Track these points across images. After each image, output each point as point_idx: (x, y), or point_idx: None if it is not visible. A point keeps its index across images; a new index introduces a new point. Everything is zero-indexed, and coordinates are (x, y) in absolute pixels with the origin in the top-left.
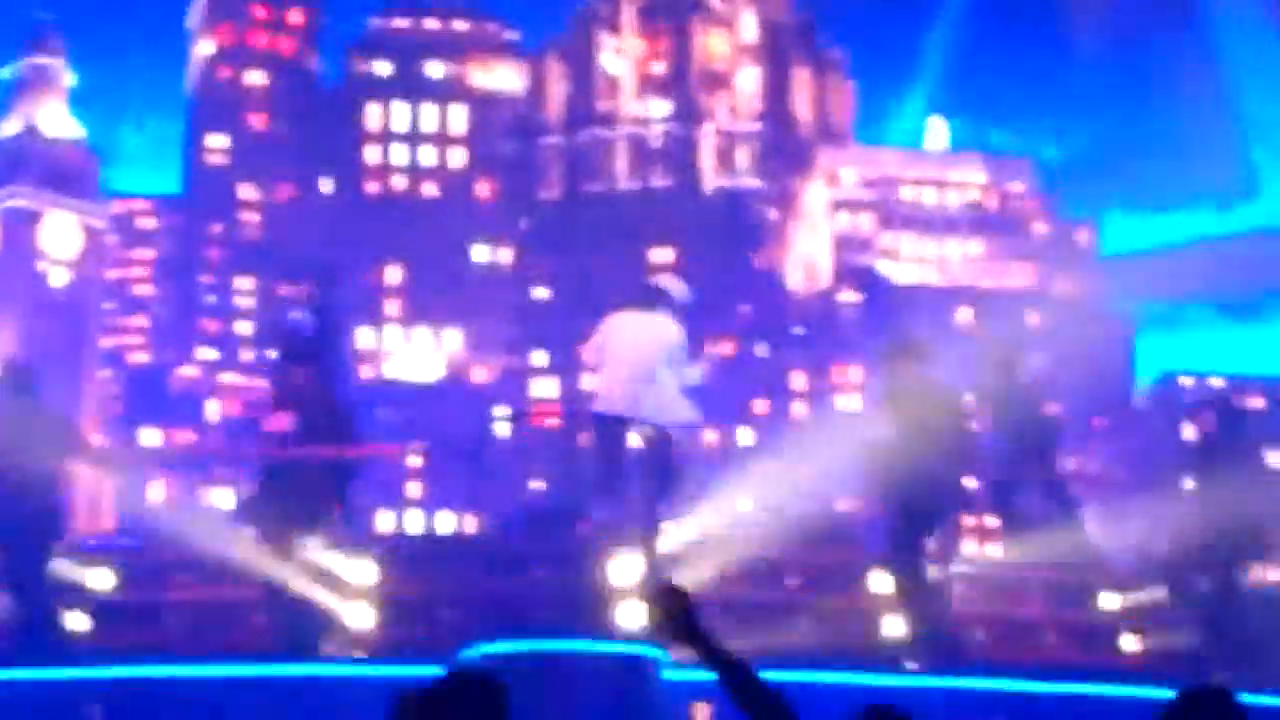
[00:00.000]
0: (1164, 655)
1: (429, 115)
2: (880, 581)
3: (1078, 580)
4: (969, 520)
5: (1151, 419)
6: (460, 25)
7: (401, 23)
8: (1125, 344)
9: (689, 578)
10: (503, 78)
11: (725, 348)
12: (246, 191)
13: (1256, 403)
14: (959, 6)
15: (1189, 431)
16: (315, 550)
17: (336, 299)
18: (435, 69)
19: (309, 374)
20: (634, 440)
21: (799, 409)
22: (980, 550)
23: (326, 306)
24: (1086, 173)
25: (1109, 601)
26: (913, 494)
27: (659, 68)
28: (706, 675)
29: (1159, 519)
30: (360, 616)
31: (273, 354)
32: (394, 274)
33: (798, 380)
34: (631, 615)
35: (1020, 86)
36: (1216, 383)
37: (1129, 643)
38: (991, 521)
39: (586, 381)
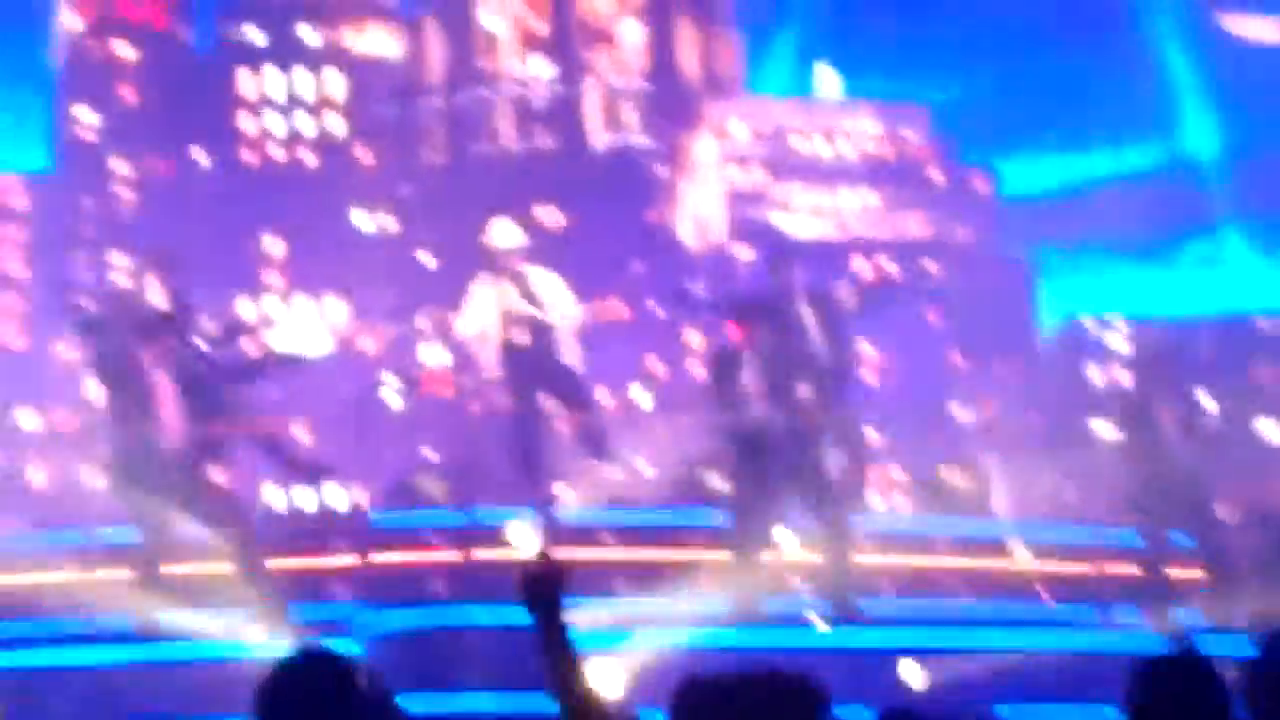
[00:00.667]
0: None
1: (304, 82)
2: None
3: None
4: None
5: (1056, 363)
6: None
7: None
8: (1027, 289)
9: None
10: (379, 41)
11: (619, 307)
12: (119, 166)
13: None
14: None
15: (1095, 375)
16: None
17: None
18: (309, 34)
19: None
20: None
21: (695, 368)
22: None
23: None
24: (983, 117)
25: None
26: None
27: (540, 25)
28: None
29: (1072, 470)
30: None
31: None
32: (275, 245)
33: (694, 338)
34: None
35: (912, 29)
36: (1120, 324)
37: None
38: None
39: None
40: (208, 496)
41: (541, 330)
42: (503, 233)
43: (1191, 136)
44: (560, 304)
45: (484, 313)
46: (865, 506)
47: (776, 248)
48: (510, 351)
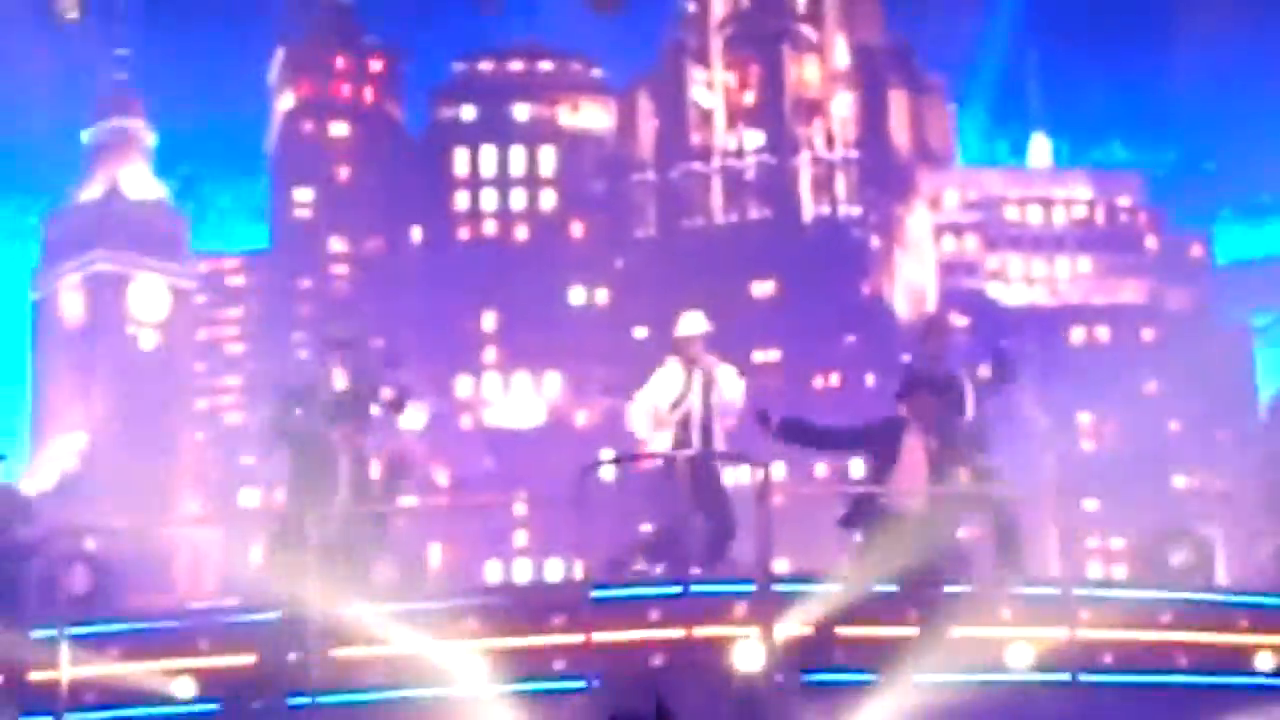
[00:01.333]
0: None
1: (517, 158)
2: None
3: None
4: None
5: (1275, 431)
6: (545, 65)
7: (486, 65)
8: (1246, 355)
9: None
10: (591, 116)
11: (833, 379)
12: (335, 244)
13: None
14: (1052, 22)
15: None
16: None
17: (367, 356)
18: (522, 111)
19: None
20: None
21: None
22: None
23: (359, 365)
24: (1196, 182)
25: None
26: None
27: (750, 98)
28: None
29: None
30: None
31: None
32: (489, 320)
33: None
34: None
35: (1122, 97)
36: None
37: (1265, 662)
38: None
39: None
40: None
41: (706, 434)
42: (688, 322)
43: None
44: (732, 394)
45: (662, 395)
46: (1020, 576)
47: (930, 319)
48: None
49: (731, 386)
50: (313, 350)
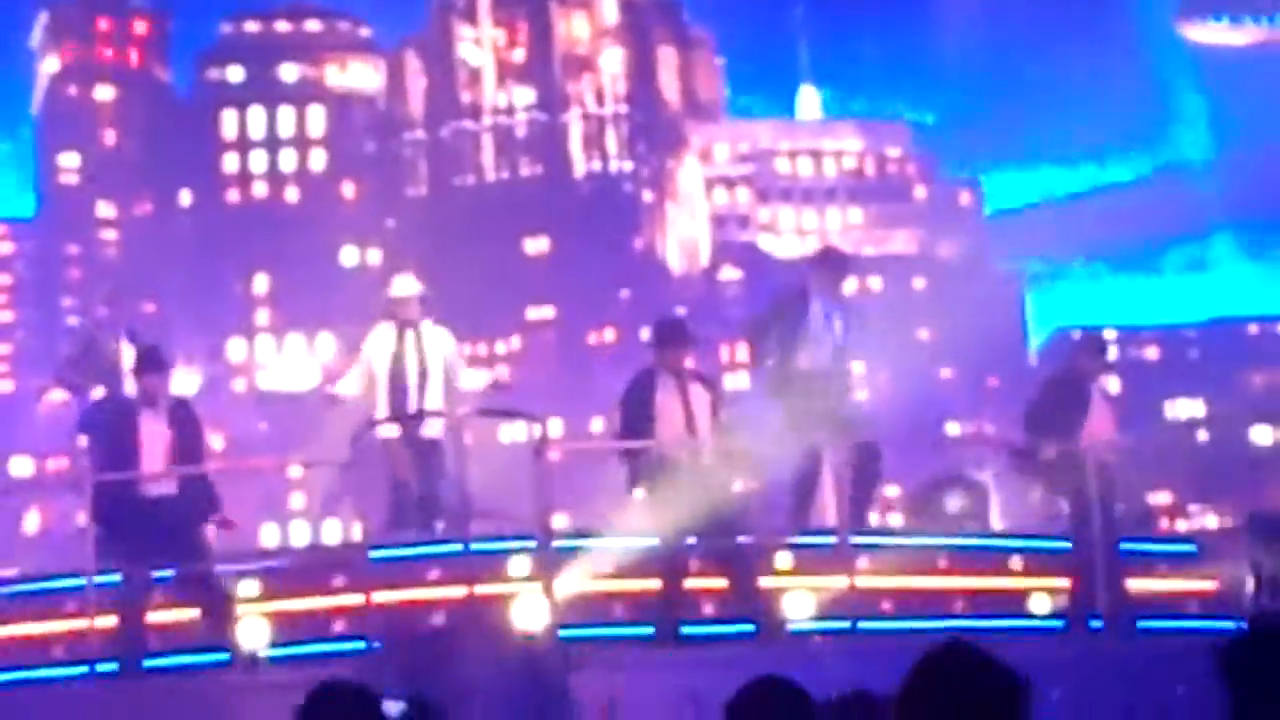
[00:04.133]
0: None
1: (286, 119)
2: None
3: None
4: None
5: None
6: (313, 26)
7: (252, 26)
8: (1016, 302)
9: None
10: (360, 76)
11: (608, 334)
12: (103, 209)
13: (1151, 353)
14: None
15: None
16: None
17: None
18: (290, 71)
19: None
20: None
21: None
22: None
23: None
24: (965, 133)
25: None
26: None
27: (519, 55)
28: None
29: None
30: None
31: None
32: (261, 283)
33: (685, 363)
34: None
35: (890, 48)
36: (1110, 335)
37: (1039, 604)
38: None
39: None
40: (192, 547)
41: (427, 391)
42: (401, 285)
43: (1180, 143)
44: (449, 361)
45: (376, 358)
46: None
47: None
48: (395, 407)
49: (445, 345)
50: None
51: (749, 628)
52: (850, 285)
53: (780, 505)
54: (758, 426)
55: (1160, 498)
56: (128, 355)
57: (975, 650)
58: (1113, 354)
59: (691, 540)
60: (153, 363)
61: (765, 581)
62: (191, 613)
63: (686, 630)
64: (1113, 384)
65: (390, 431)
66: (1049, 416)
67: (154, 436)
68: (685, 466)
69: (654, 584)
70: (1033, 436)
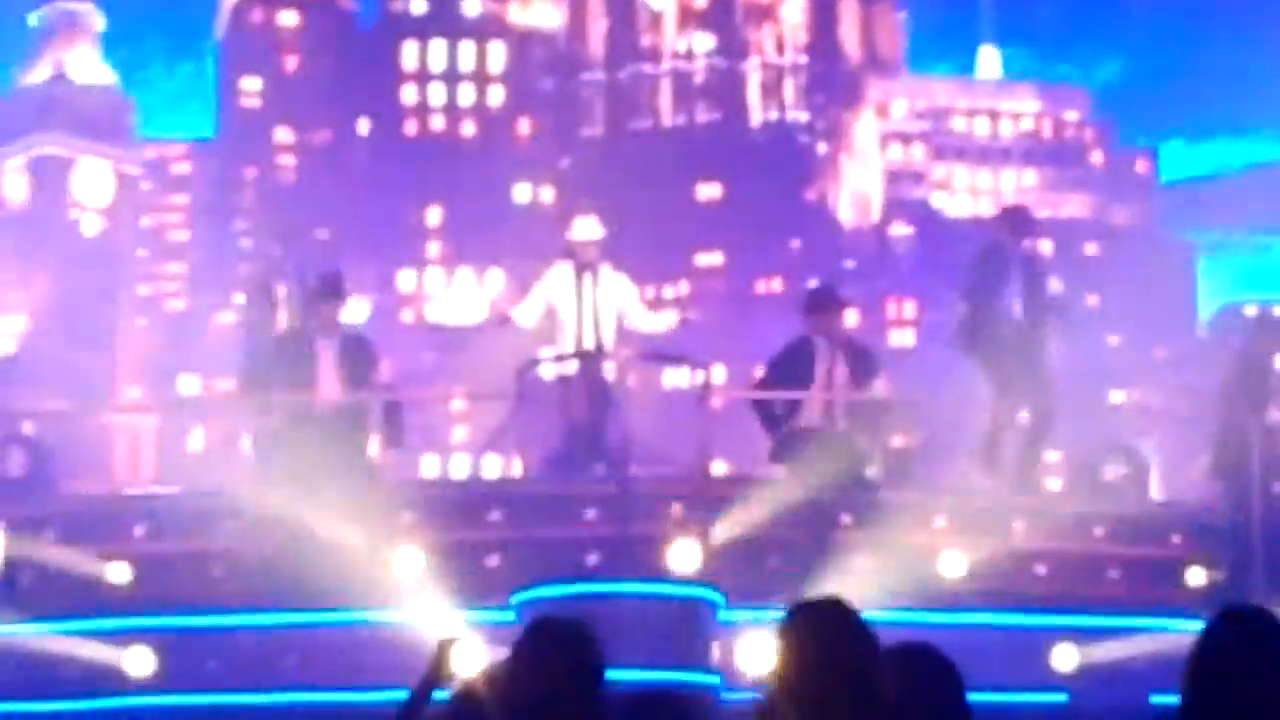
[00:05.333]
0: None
1: (466, 53)
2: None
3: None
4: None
5: (1214, 348)
6: None
7: None
8: (1187, 272)
9: None
10: (541, 14)
11: (775, 284)
12: (281, 135)
13: None
14: None
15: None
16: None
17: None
18: (472, 6)
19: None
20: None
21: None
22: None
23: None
24: (1144, 99)
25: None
26: None
27: (701, 1)
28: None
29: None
30: (408, 562)
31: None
32: (434, 215)
33: (850, 317)
34: (684, 557)
35: (1072, 12)
36: None
37: (1196, 577)
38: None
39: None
40: (357, 464)
41: (603, 332)
42: (583, 228)
43: None
44: (626, 305)
45: (552, 298)
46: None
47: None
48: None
49: (623, 289)
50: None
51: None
52: (1044, 245)
53: (941, 460)
54: (930, 380)
55: None
56: (298, 294)
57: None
58: None
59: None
60: (331, 290)
61: (918, 539)
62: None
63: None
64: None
65: (563, 369)
66: (1237, 398)
67: (328, 365)
68: (822, 433)
69: (805, 534)
70: (1230, 413)
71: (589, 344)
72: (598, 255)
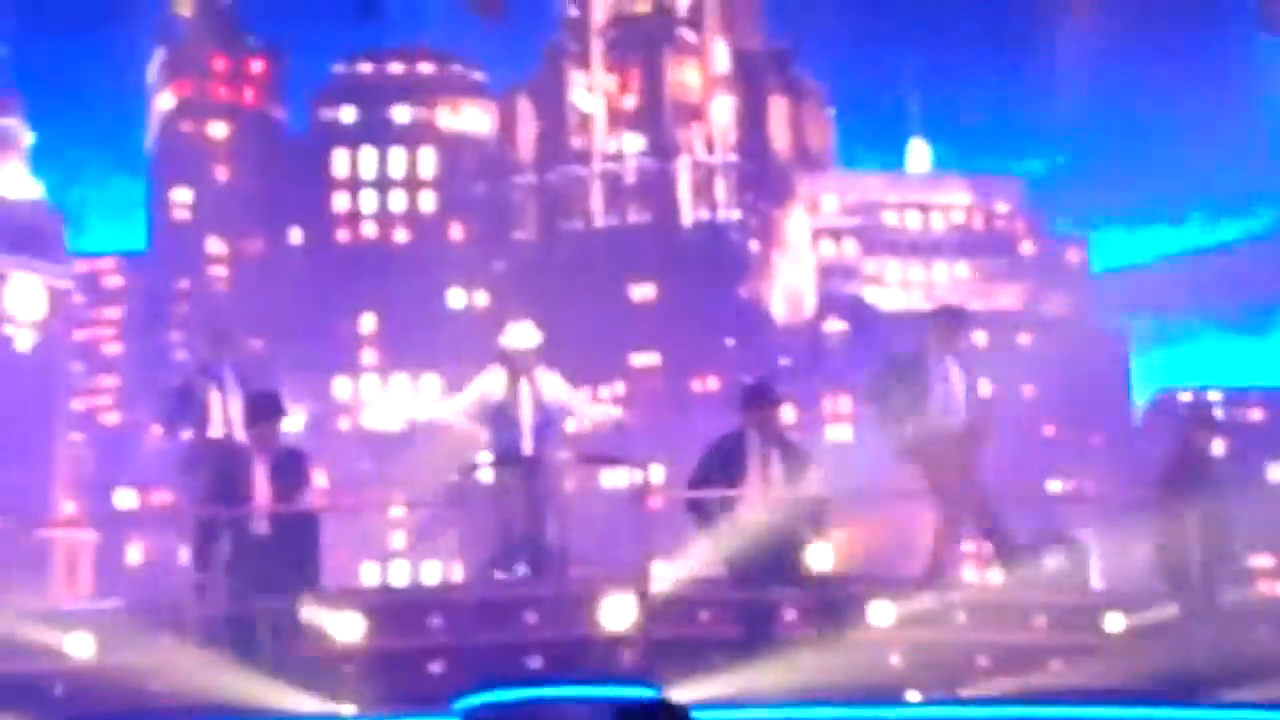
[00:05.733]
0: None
1: (397, 159)
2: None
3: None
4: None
5: (1150, 436)
6: (426, 68)
7: (365, 68)
8: (1121, 361)
9: None
10: (472, 119)
11: (711, 382)
12: (213, 245)
13: (1256, 415)
14: (935, 30)
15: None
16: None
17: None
18: (402, 113)
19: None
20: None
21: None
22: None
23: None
24: (1074, 190)
25: (1115, 623)
26: None
27: (631, 102)
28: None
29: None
30: (349, 670)
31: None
32: (368, 322)
33: (786, 413)
34: (626, 657)
35: (1001, 105)
36: (1215, 397)
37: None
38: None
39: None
40: (294, 585)
41: (540, 437)
42: (519, 334)
43: None
44: (563, 405)
45: (487, 399)
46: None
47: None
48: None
49: (558, 389)
50: (195, 353)
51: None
52: (978, 338)
53: (882, 556)
54: (867, 476)
55: (1262, 561)
56: (233, 400)
57: None
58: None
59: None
60: (268, 410)
61: (862, 632)
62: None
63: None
64: (1217, 446)
65: (497, 474)
66: (1179, 488)
67: (260, 481)
68: (759, 526)
69: (747, 630)
70: (1167, 507)
71: (525, 447)
72: (534, 361)
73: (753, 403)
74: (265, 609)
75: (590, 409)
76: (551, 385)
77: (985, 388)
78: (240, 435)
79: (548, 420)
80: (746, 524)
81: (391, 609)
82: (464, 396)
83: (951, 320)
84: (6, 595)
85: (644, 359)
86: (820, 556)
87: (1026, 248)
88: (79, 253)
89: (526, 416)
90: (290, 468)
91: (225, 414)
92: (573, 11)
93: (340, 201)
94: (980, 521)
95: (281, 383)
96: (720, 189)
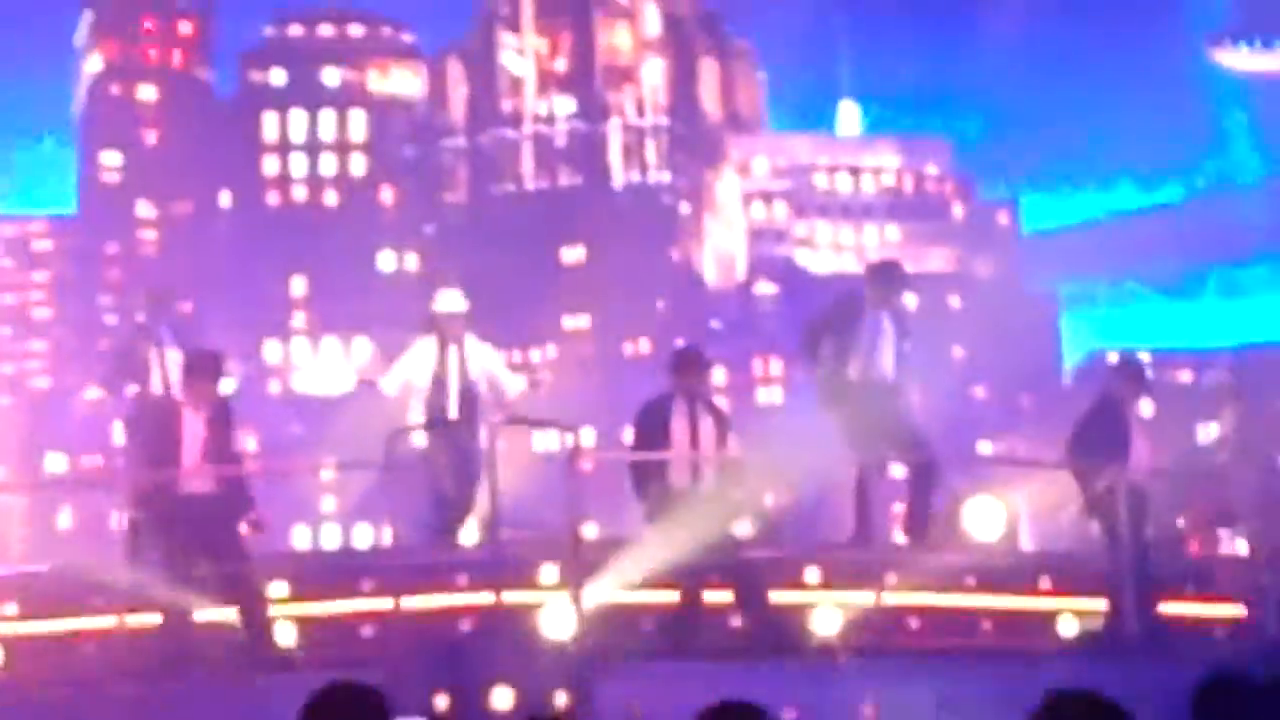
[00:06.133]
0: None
1: (327, 122)
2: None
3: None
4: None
5: (1079, 397)
6: (356, 30)
7: (296, 30)
8: (1051, 323)
9: None
10: (402, 82)
11: (643, 345)
12: (143, 209)
13: (1185, 377)
14: None
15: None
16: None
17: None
18: (332, 75)
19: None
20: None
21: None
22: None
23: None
24: (1003, 152)
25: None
26: None
27: (561, 65)
28: None
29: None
30: (280, 635)
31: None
32: (299, 285)
33: (718, 376)
34: (557, 621)
35: (931, 67)
36: (1144, 358)
37: (1068, 626)
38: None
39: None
40: (228, 546)
41: (468, 401)
42: (447, 300)
43: (1224, 167)
44: (492, 374)
45: (415, 370)
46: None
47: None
48: (434, 415)
49: (488, 358)
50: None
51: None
52: (910, 300)
53: (814, 518)
54: (797, 438)
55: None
56: (171, 358)
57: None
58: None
59: (703, 558)
60: (209, 369)
61: (790, 597)
62: (228, 612)
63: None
64: (1146, 407)
65: (428, 438)
66: (1093, 443)
67: (194, 436)
68: (690, 492)
69: (673, 597)
70: (1079, 462)
71: (453, 411)
72: (462, 328)
73: (683, 367)
74: (202, 570)
75: (514, 383)
76: (481, 354)
77: (916, 355)
78: (178, 393)
79: (474, 386)
80: (677, 489)
81: (323, 572)
82: (398, 369)
83: (888, 275)
84: None
85: (575, 322)
86: (744, 522)
87: (957, 210)
88: (6, 216)
89: (454, 382)
90: (225, 422)
91: (164, 373)
92: None
93: (270, 164)
94: (916, 479)
95: (211, 344)
96: (651, 151)
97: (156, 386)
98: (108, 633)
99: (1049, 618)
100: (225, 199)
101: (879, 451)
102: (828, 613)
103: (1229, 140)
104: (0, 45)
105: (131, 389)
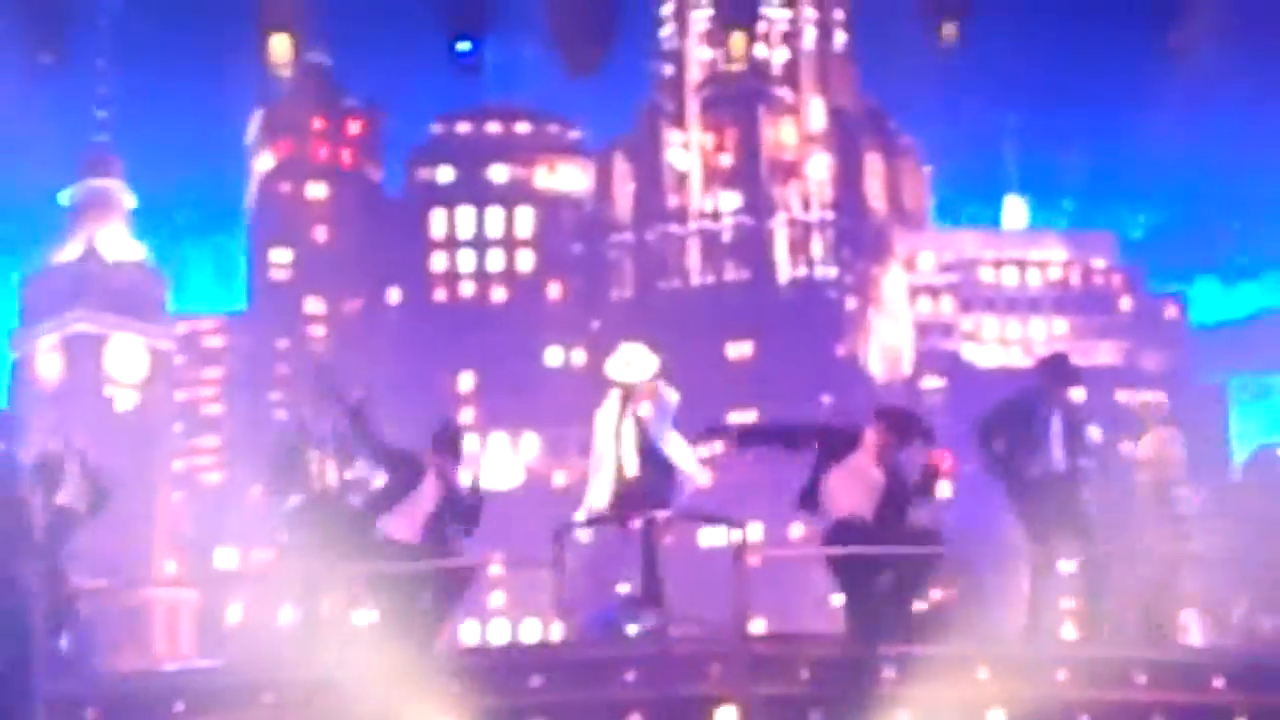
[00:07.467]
0: None
1: (495, 219)
2: None
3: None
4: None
5: (1249, 492)
6: (522, 128)
7: (463, 127)
8: (1220, 417)
9: None
10: (568, 178)
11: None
12: (313, 305)
13: None
14: (1029, 87)
15: None
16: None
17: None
18: (499, 173)
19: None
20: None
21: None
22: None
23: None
24: (1171, 245)
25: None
26: None
27: (726, 160)
28: None
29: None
30: None
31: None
32: (466, 381)
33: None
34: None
35: (1096, 159)
36: None
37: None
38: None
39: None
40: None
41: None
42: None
43: None
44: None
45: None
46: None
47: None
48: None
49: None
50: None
51: None
52: (1079, 394)
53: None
54: (966, 532)
55: None
56: (329, 461)
57: None
58: None
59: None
60: (451, 442)
61: (961, 691)
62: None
63: None
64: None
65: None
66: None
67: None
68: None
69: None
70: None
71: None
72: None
73: (902, 427)
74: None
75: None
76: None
77: (1095, 434)
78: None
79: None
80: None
81: (491, 668)
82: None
83: (1059, 369)
84: (110, 655)
85: (741, 417)
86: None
87: (1124, 303)
88: (180, 313)
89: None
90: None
91: (323, 478)
92: (668, 70)
93: (438, 261)
94: (1087, 577)
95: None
96: (817, 246)
97: (317, 486)
98: None
99: (1221, 714)
100: (394, 295)
101: (1052, 546)
102: (998, 710)
103: None
104: (175, 145)
105: (294, 500)
